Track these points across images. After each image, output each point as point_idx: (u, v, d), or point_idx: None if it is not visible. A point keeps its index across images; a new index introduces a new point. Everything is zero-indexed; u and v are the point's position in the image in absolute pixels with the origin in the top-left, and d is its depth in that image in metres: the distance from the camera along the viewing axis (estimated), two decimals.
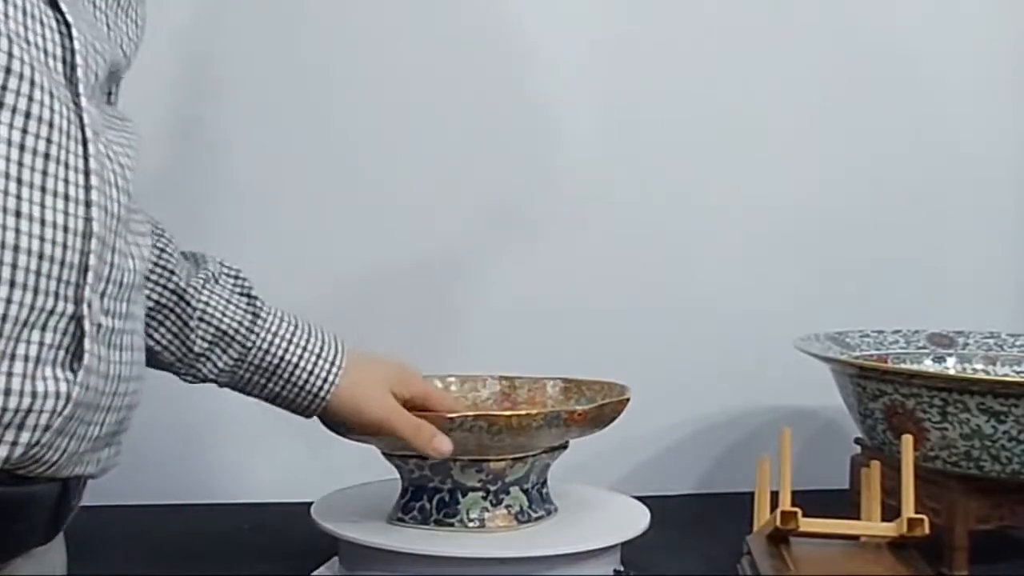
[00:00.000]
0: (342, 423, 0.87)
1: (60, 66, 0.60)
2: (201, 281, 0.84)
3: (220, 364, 0.84)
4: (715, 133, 1.28)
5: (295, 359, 0.85)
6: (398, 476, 0.92)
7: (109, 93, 0.69)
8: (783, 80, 1.30)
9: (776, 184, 1.30)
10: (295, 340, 0.85)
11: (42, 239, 0.56)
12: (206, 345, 0.83)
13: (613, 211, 1.26)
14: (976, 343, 1.19)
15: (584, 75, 1.25)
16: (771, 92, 1.30)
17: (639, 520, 0.92)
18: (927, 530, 0.86)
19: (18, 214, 0.55)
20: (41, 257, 0.56)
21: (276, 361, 0.84)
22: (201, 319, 0.83)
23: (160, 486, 1.16)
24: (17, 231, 0.55)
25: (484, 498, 0.89)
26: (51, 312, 0.57)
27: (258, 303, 0.85)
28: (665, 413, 1.28)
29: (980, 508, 0.97)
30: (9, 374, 0.55)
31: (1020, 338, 1.19)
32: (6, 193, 0.55)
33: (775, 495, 0.91)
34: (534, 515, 0.90)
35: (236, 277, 0.86)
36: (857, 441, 1.11)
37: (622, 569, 0.90)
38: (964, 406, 0.94)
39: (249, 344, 0.84)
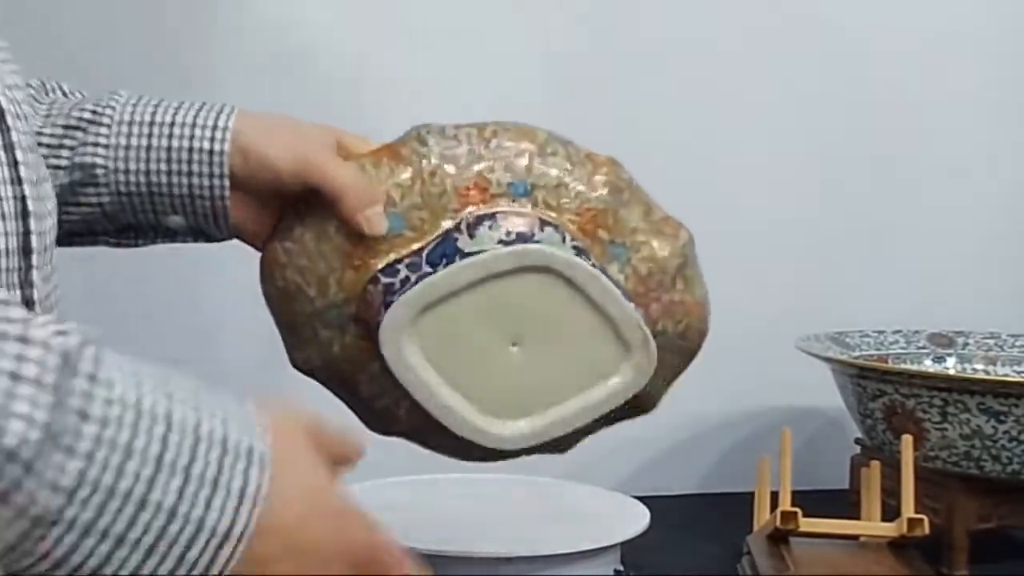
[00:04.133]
0: (255, 199, 0.67)
1: None
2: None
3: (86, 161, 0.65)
4: (714, 132, 1.28)
5: (169, 117, 0.66)
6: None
7: None
8: (782, 79, 1.30)
9: (776, 183, 1.30)
10: (162, 104, 0.67)
11: None
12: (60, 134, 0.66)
13: None
14: (976, 343, 1.19)
15: (584, 74, 1.25)
16: (771, 91, 1.29)
17: (639, 520, 0.92)
18: (927, 530, 0.86)
19: None
20: None
21: (146, 127, 0.66)
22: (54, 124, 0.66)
23: None
24: None
25: None
26: None
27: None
28: (665, 413, 1.28)
29: (980, 508, 0.97)
30: None
31: (1020, 338, 1.19)
32: None
33: (775, 495, 0.91)
34: None
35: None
36: (857, 441, 1.11)
37: (622, 569, 0.90)
38: (964, 406, 0.94)
39: (107, 122, 0.65)
